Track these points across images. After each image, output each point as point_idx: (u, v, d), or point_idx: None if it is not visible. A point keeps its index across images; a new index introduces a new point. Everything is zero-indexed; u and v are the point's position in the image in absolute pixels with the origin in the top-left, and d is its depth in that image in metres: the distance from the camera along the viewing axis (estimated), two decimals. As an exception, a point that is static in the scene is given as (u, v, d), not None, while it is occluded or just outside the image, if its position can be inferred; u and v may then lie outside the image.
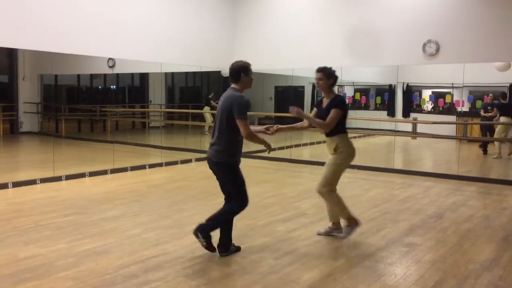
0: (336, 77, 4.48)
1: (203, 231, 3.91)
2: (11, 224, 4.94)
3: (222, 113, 3.90)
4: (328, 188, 4.44)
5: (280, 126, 4.39)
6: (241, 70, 3.95)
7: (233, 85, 3.98)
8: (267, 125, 4.39)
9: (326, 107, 4.43)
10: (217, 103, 4.22)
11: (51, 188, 6.91)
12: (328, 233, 4.63)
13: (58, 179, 7.34)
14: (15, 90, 13.55)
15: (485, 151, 10.93)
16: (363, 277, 3.63)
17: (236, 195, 3.99)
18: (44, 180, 7.17)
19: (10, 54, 13.80)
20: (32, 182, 7.04)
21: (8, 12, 6.58)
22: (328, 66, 4.47)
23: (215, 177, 4.13)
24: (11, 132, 13.74)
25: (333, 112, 4.30)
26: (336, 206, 4.51)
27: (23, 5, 6.77)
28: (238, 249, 4.16)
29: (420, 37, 8.34)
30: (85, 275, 3.57)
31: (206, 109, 13.22)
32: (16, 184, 6.81)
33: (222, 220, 4.03)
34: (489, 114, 10.73)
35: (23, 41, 7.01)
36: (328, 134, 4.42)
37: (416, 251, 4.26)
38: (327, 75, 4.41)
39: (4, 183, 6.74)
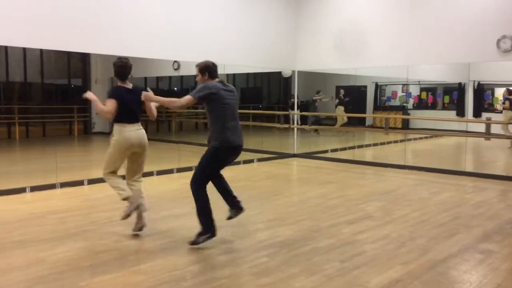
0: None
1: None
2: (88, 219, 5.26)
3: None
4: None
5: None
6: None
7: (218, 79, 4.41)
8: None
9: None
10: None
11: (122, 185, 7.24)
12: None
13: (128, 177, 7.67)
14: (88, 93, 14.37)
15: None
16: (435, 284, 3.48)
17: None
18: (115, 178, 7.52)
19: (84, 59, 14.69)
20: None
21: (81, 20, 7.00)
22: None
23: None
24: (84, 133, 14.68)
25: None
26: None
27: (94, 13, 7.17)
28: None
29: (494, 32, 7.86)
30: (156, 270, 3.71)
31: (340, 109, 13.83)
32: (91, 182, 7.21)
33: None
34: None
35: (94, 46, 7.43)
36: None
37: (492, 259, 4.02)
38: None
39: (80, 180, 7.17)
